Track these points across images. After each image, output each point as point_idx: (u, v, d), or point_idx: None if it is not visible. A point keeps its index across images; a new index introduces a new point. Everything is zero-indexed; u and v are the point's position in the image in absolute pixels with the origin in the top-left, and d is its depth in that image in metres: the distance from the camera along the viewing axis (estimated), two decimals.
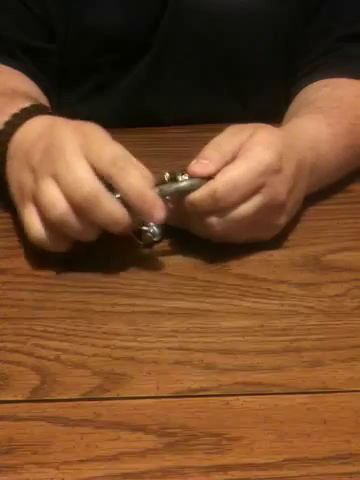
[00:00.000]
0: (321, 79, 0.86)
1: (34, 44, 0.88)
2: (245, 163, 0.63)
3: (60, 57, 0.90)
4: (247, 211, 0.62)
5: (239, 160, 0.63)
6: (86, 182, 0.59)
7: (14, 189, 0.64)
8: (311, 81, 0.87)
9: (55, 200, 0.60)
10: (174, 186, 0.64)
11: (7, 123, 0.67)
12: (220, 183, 0.62)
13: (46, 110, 0.70)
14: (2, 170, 0.66)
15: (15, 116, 0.67)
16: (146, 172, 0.62)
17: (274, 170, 0.63)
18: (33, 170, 0.62)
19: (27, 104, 0.69)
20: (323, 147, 0.73)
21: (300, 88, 0.88)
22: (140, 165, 0.62)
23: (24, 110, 0.68)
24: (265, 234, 0.66)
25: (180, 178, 0.66)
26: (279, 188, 0.64)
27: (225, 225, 0.63)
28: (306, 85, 0.87)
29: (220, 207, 0.62)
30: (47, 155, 0.61)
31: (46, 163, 0.61)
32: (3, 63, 0.84)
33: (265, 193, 0.63)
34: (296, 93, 0.88)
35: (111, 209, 0.60)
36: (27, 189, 0.62)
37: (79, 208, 0.59)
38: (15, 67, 0.85)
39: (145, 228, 0.65)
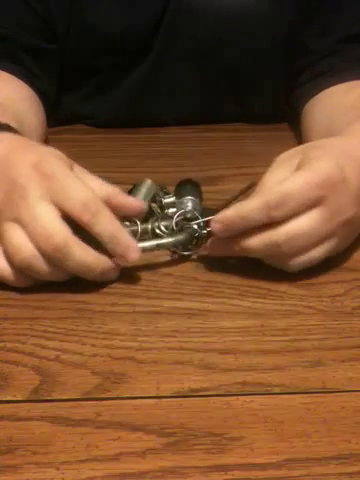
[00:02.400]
0: (339, 83, 0.85)
1: (35, 44, 0.88)
2: (301, 175, 0.59)
3: (61, 58, 0.90)
4: (301, 224, 0.59)
5: (295, 174, 0.60)
6: (54, 232, 0.57)
7: None
8: (325, 86, 0.86)
9: (19, 245, 0.57)
10: (155, 242, 0.63)
11: None
12: (273, 194, 0.58)
13: (7, 129, 0.66)
14: None
15: None
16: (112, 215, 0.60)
17: (335, 182, 0.59)
18: None
19: None
20: None
21: (312, 95, 0.87)
22: (106, 208, 0.59)
23: None
24: (339, 248, 0.62)
25: (165, 201, 0.66)
26: (343, 201, 0.60)
27: (286, 241, 0.59)
28: (319, 91, 0.86)
29: (273, 218, 0.58)
30: (8, 196, 0.58)
31: (8, 206, 0.58)
32: (2, 65, 0.84)
33: (326, 206, 0.59)
34: (306, 100, 0.88)
35: (83, 258, 0.58)
36: None
37: (48, 257, 0.57)
38: (14, 69, 0.85)
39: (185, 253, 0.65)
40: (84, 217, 0.57)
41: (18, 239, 0.57)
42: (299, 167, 0.61)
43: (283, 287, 0.62)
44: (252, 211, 0.58)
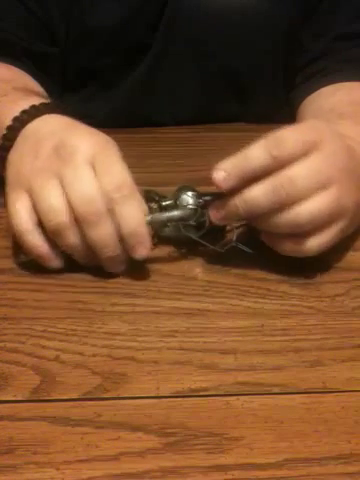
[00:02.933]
0: (328, 84, 0.85)
1: (36, 47, 0.88)
2: (292, 125, 0.60)
3: (61, 60, 0.90)
4: (302, 167, 0.58)
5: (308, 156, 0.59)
6: (94, 197, 0.58)
7: (11, 172, 0.63)
8: (316, 87, 0.86)
9: (56, 208, 0.59)
10: (166, 214, 0.63)
11: (24, 112, 0.66)
12: (269, 135, 0.58)
13: (64, 110, 0.69)
14: (5, 155, 0.65)
15: (33, 108, 0.67)
16: (144, 206, 0.61)
17: (325, 130, 0.61)
18: (38, 162, 0.61)
19: (45, 100, 0.69)
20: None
21: (305, 95, 0.87)
22: (140, 197, 0.61)
23: (43, 104, 0.67)
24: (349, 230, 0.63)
25: (164, 203, 0.65)
26: (336, 147, 0.61)
27: (289, 184, 0.58)
28: (311, 92, 0.87)
29: (274, 158, 0.58)
30: (57, 153, 0.60)
31: (54, 161, 0.60)
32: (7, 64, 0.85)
33: (322, 150, 0.59)
34: (300, 100, 0.88)
35: (111, 230, 0.59)
36: (25, 177, 0.61)
37: (82, 220, 0.59)
38: (22, 69, 0.85)
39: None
40: (115, 195, 0.59)
41: (57, 200, 0.59)
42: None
43: (283, 287, 0.62)
44: (253, 150, 0.59)
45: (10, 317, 0.58)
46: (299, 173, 0.58)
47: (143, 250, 0.60)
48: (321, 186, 0.59)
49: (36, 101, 0.68)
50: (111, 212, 0.59)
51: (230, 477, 0.44)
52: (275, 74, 0.94)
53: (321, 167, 0.59)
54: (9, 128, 0.66)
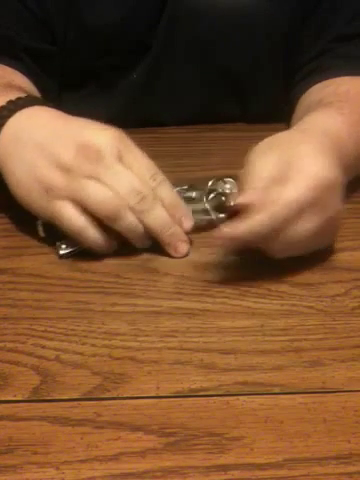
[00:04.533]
0: (321, 81, 0.86)
1: (35, 45, 0.88)
2: (302, 181, 0.61)
3: (61, 58, 0.90)
4: (307, 228, 0.61)
5: (293, 179, 0.61)
6: (140, 186, 0.62)
7: (30, 183, 0.64)
8: (310, 84, 0.87)
9: (106, 197, 0.62)
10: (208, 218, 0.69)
11: (3, 107, 0.67)
12: (280, 206, 0.59)
13: (45, 103, 0.70)
14: None
15: (10, 103, 0.67)
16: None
17: (330, 184, 0.62)
18: (66, 170, 0.62)
19: (22, 95, 0.69)
20: (345, 142, 0.70)
21: (300, 94, 0.88)
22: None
23: (20, 99, 0.68)
24: (326, 242, 0.65)
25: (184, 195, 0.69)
26: (333, 200, 0.62)
27: (284, 245, 0.61)
28: (306, 89, 0.87)
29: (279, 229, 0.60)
30: (82, 155, 0.62)
31: (84, 164, 0.62)
32: (4, 63, 0.85)
33: (318, 206, 0.61)
34: (297, 98, 0.88)
35: (164, 213, 0.64)
36: (58, 188, 0.62)
37: (133, 208, 0.62)
38: (16, 67, 0.85)
39: None
40: (152, 184, 0.64)
41: (104, 193, 0.62)
42: (289, 167, 0.61)
43: (283, 287, 0.62)
44: (259, 226, 0.59)
45: (10, 317, 0.58)
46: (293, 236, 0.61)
47: (189, 221, 0.66)
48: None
49: (13, 96, 0.68)
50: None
51: (230, 477, 0.44)
52: (275, 74, 0.94)
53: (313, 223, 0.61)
54: None
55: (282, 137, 0.67)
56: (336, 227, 0.65)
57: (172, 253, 0.65)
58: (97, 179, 0.62)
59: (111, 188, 0.62)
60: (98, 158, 0.62)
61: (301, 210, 0.60)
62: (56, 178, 0.62)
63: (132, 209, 0.62)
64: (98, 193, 0.62)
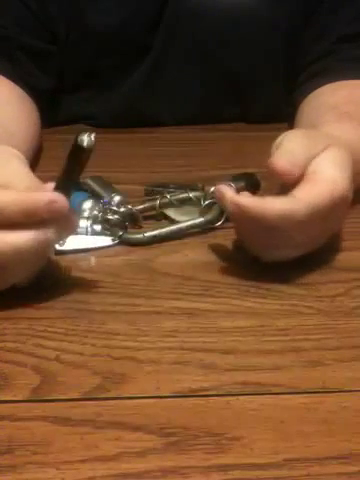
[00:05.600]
0: (329, 83, 0.85)
1: (35, 45, 0.88)
2: (326, 188, 0.60)
3: (61, 58, 0.90)
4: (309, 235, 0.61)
5: (318, 183, 0.60)
6: None
7: None
8: (318, 85, 0.86)
9: None
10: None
11: None
12: (304, 207, 0.58)
13: None
14: None
15: None
16: None
17: (345, 200, 0.61)
18: None
19: None
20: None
21: (306, 94, 0.87)
22: None
23: None
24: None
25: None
26: (343, 216, 0.63)
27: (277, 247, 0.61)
28: (313, 90, 0.87)
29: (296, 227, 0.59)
30: None
31: None
32: None
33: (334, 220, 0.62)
34: (301, 99, 0.88)
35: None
36: None
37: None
38: (7, 68, 0.85)
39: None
40: None
41: None
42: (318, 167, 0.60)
43: (283, 287, 0.62)
44: (275, 215, 0.58)
45: (10, 317, 0.58)
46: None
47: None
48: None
49: None
50: None
51: (230, 477, 0.44)
52: (275, 74, 0.94)
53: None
54: None
55: (315, 132, 0.68)
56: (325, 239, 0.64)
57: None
58: None
59: None
60: None
61: (320, 214, 0.59)
62: None
63: None
64: None
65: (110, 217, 0.67)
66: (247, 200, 0.59)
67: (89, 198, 0.69)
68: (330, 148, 0.62)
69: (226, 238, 0.68)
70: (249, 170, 0.77)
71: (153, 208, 0.71)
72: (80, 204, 0.68)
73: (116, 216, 0.67)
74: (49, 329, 0.57)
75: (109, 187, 0.72)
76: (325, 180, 0.60)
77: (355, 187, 0.63)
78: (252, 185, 0.72)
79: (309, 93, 0.87)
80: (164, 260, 0.65)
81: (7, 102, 0.82)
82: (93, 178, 0.72)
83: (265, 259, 0.62)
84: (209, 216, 0.69)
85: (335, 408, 0.49)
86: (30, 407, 0.49)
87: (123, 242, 0.66)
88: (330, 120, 0.75)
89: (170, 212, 0.71)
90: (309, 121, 0.81)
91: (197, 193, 0.71)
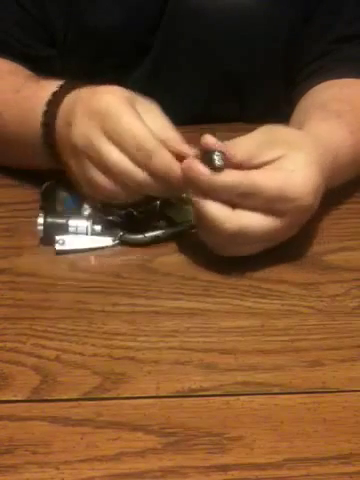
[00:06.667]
0: (322, 82, 0.86)
1: (35, 48, 0.88)
2: (277, 180, 0.61)
3: (61, 61, 0.90)
4: (262, 224, 0.61)
5: (278, 174, 0.62)
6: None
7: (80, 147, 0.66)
8: (312, 85, 0.87)
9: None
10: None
11: (61, 87, 0.73)
12: (246, 180, 0.61)
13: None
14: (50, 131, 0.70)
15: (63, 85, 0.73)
16: None
17: (306, 208, 0.63)
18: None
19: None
20: (343, 158, 0.71)
21: (302, 93, 0.88)
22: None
23: (67, 82, 0.73)
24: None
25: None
26: (304, 218, 0.63)
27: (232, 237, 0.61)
28: (309, 89, 0.87)
29: (235, 204, 0.60)
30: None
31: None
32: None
33: (286, 220, 0.62)
34: (298, 98, 0.88)
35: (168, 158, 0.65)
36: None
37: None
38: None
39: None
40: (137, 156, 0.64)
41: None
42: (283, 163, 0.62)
43: (283, 287, 0.62)
44: (223, 183, 0.61)
45: (10, 317, 0.58)
46: (248, 224, 0.61)
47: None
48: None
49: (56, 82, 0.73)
50: None
51: (230, 477, 0.44)
52: (275, 74, 0.94)
53: (270, 229, 0.62)
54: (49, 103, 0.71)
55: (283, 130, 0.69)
56: (285, 236, 0.64)
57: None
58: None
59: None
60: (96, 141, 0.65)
61: (277, 199, 0.60)
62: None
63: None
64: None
65: (110, 217, 0.67)
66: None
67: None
68: (293, 153, 0.64)
69: None
70: None
71: (153, 208, 0.71)
72: (80, 204, 0.67)
73: (116, 216, 0.67)
74: (49, 329, 0.57)
75: None
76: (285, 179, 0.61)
77: (337, 185, 0.67)
78: None
79: (304, 92, 0.88)
80: (164, 260, 0.65)
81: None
82: None
83: (226, 255, 0.63)
84: None
85: (335, 408, 0.49)
86: (30, 407, 0.49)
87: (123, 242, 0.66)
88: (316, 118, 0.76)
89: (170, 212, 0.71)
90: (297, 119, 0.82)
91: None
